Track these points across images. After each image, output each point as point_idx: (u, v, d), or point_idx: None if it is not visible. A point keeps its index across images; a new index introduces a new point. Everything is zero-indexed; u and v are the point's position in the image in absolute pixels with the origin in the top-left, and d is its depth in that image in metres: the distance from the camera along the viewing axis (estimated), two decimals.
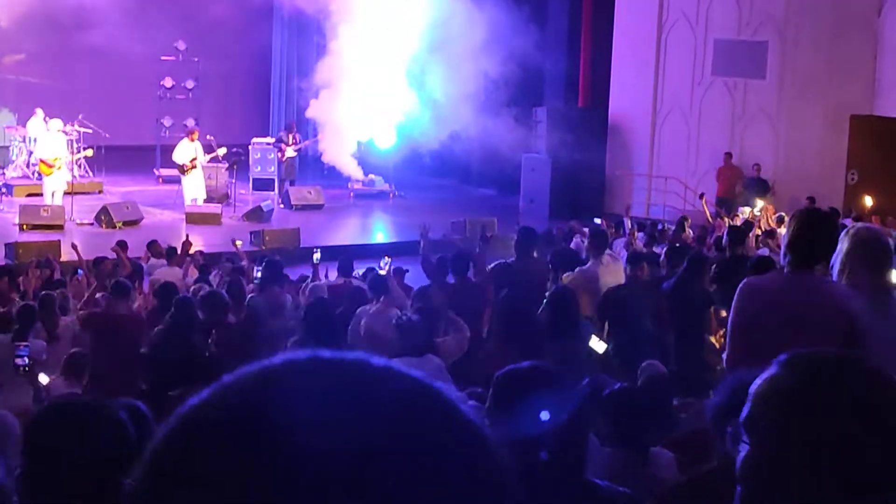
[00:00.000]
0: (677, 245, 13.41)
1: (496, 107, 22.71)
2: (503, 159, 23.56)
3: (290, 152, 24.01)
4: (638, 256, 11.18)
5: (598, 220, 17.89)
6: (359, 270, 13.25)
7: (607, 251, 10.88)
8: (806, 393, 1.74)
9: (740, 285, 4.86)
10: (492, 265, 10.66)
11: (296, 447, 0.83)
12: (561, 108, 25.07)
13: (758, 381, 1.83)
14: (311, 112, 25.10)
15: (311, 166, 25.68)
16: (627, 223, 17.96)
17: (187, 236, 15.70)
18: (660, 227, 18.35)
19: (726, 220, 18.45)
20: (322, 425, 0.84)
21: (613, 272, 10.63)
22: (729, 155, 22.61)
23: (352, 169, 25.58)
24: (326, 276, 13.80)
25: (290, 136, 24.32)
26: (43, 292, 10.37)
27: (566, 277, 10.05)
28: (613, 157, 24.54)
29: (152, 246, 15.69)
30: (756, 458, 1.78)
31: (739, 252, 10.29)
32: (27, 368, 8.22)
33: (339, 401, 0.87)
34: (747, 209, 19.98)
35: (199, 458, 0.86)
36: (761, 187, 21.74)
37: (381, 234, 22.62)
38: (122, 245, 15.84)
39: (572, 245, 14.99)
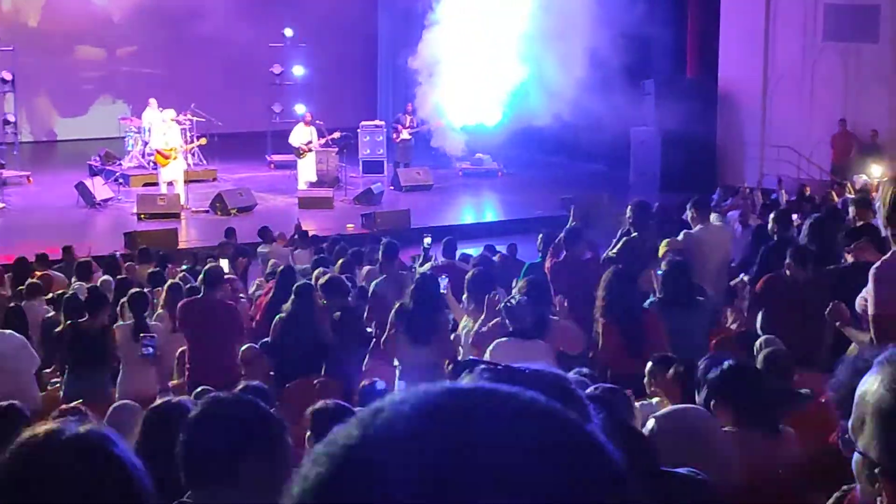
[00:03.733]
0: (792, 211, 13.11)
1: (603, 80, 22.50)
2: (611, 133, 23.36)
3: (404, 134, 24.15)
4: (782, 214, 10.80)
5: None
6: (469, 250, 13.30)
7: (717, 217, 10.73)
8: None
9: (874, 271, 4.72)
10: (617, 240, 10.49)
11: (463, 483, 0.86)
12: (669, 79, 24.77)
13: (863, 385, 1.78)
14: (420, 92, 25.15)
15: (419, 147, 25.77)
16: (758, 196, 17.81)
17: (299, 221, 15.95)
18: (774, 195, 18.10)
19: (848, 185, 18.12)
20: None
21: (720, 238, 10.51)
22: (843, 122, 22.11)
23: (459, 148, 25.60)
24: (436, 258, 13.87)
25: (408, 118, 24.45)
26: (170, 281, 10.58)
27: (667, 243, 9.88)
28: (724, 127, 24.17)
29: (264, 233, 15.89)
30: (862, 464, 1.74)
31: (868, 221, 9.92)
32: (153, 355, 8.45)
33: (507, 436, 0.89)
34: (863, 176, 19.55)
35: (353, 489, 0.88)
36: (877, 154, 21.25)
37: (490, 212, 22.65)
38: (229, 232, 16.17)
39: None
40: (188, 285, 10.75)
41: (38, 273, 13.38)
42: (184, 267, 14.13)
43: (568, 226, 10.53)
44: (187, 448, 2.83)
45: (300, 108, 25.24)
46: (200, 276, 9.48)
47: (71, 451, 1.64)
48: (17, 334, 9.16)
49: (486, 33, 24.18)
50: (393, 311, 8.28)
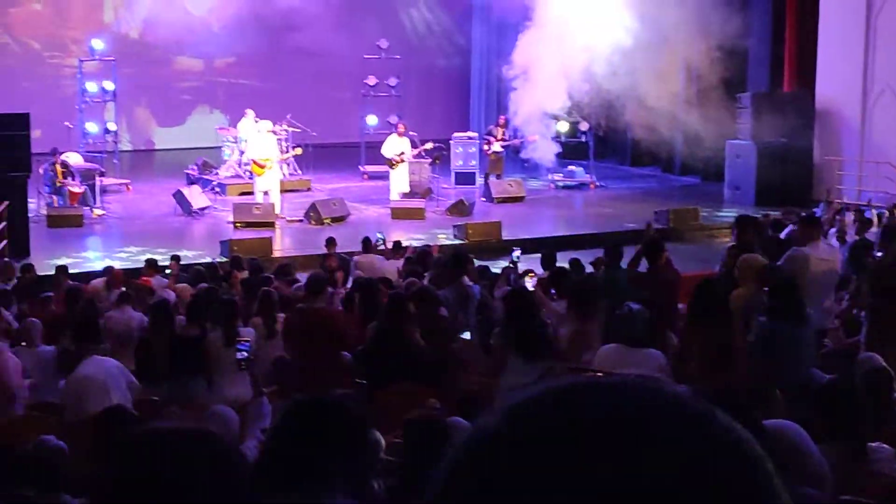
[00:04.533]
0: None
1: (699, 93, 22.34)
2: (706, 146, 23.17)
3: (496, 147, 24.17)
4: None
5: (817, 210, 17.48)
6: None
7: (823, 239, 10.50)
8: None
9: None
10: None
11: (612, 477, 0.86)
12: (766, 92, 24.49)
13: None
14: (513, 100, 25.13)
15: (511, 157, 25.77)
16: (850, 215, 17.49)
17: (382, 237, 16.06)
18: (867, 213, 17.78)
19: None
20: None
21: (831, 257, 10.25)
22: None
23: (550, 159, 25.52)
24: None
25: (501, 131, 24.48)
26: (264, 289, 10.70)
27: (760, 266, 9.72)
28: (822, 141, 23.80)
29: (366, 243, 15.95)
30: None
31: None
32: (247, 362, 8.54)
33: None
34: None
35: (501, 481, 0.89)
36: None
37: (582, 225, 22.56)
38: (330, 241, 16.28)
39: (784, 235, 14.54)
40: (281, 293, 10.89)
41: (142, 279, 13.62)
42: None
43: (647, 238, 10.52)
44: (273, 449, 2.87)
45: (393, 120, 25.40)
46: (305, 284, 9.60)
47: (175, 445, 1.68)
48: (112, 360, 9.17)
49: (582, 43, 24.10)
50: (499, 328, 8.33)
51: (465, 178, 24.58)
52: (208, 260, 15.87)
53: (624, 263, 11.06)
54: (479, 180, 24.58)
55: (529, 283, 9.07)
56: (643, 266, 10.34)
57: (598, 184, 25.56)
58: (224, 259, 16.47)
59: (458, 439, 0.93)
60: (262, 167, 21.59)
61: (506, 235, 19.50)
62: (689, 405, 0.92)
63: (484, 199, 23.48)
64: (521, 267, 13.26)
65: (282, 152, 23.05)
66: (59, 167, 21.31)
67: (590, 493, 0.85)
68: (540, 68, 24.19)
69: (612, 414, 0.90)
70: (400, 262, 14.46)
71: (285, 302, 11.00)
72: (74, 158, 22.39)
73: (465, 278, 11.28)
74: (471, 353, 9.65)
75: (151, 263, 14.86)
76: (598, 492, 0.85)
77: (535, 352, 8.05)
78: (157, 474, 1.64)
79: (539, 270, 12.98)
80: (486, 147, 24.29)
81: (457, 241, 19.33)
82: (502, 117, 25.28)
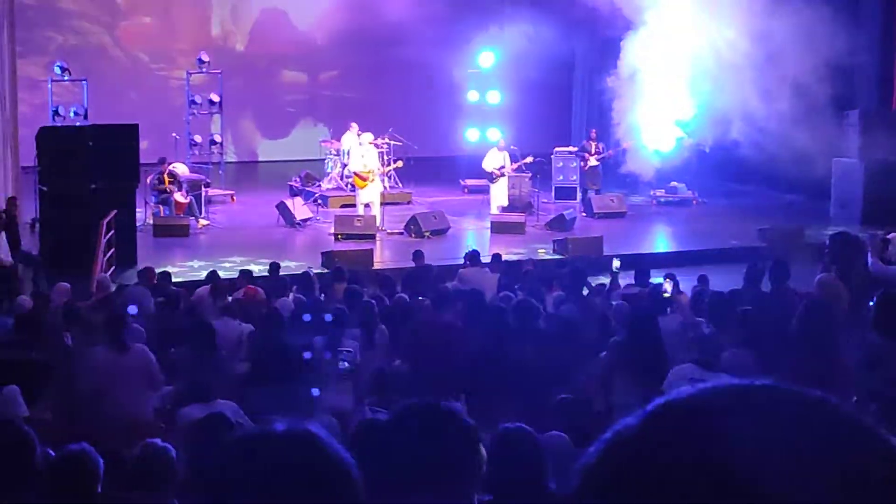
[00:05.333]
0: None
1: (806, 110, 21.97)
2: (812, 164, 22.79)
3: (592, 161, 24.06)
4: None
5: None
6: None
7: None
8: None
9: None
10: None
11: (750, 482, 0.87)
12: (874, 110, 24.03)
13: None
14: (616, 109, 24.98)
15: (613, 174, 25.63)
16: None
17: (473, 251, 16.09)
18: None
19: None
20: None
21: None
22: None
23: (650, 173, 25.31)
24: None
25: (593, 145, 24.38)
26: (366, 300, 10.79)
27: None
28: None
29: (473, 257, 15.95)
30: None
31: None
32: (351, 371, 8.63)
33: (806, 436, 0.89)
34: None
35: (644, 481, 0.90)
36: None
37: (683, 241, 22.35)
38: (417, 255, 16.37)
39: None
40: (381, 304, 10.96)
41: (249, 288, 13.79)
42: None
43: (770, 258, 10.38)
44: (385, 454, 2.87)
45: (494, 134, 25.42)
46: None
47: (284, 445, 1.69)
48: (144, 354, 9.34)
49: (687, 58, 23.89)
50: (609, 349, 8.30)
51: (565, 193, 24.52)
52: (305, 271, 15.96)
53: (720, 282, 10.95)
54: (580, 195, 24.48)
55: (668, 288, 9.04)
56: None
57: (700, 200, 25.29)
58: (324, 270, 16.62)
59: (600, 442, 0.94)
60: (363, 180, 21.76)
61: (606, 251, 19.38)
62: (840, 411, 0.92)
63: (584, 214, 23.38)
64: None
65: (383, 165, 23.21)
66: (166, 177, 21.73)
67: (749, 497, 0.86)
68: (645, 79, 24.03)
69: (762, 421, 0.90)
70: (497, 276, 14.45)
71: (386, 313, 11.08)
72: (181, 169, 22.80)
73: (586, 292, 11.23)
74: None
75: (246, 275, 15.07)
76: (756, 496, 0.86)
77: (644, 370, 7.98)
78: (265, 477, 1.66)
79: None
80: (582, 164, 24.14)
81: (557, 256, 19.28)
82: (593, 131, 25.18)
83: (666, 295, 12.03)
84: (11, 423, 3.93)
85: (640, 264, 14.26)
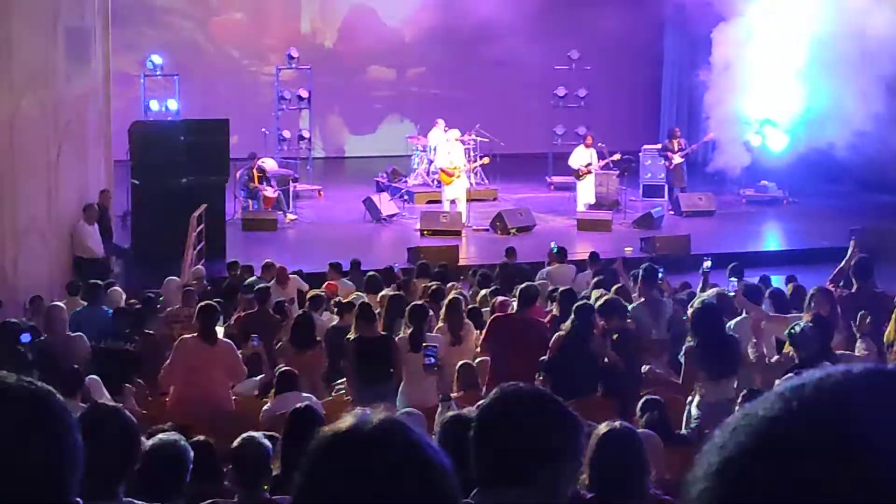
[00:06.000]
0: None
1: None
2: None
3: (676, 159, 23.83)
4: None
5: None
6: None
7: None
8: None
9: None
10: None
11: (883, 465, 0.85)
12: None
13: None
14: (706, 106, 24.69)
15: (700, 172, 25.37)
16: None
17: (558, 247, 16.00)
18: None
19: None
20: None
21: None
22: None
23: (738, 169, 24.99)
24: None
25: (675, 143, 24.14)
26: (451, 296, 10.81)
27: None
28: None
29: (561, 253, 15.90)
30: None
31: None
32: (435, 368, 8.64)
33: None
34: None
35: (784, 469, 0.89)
36: None
37: (773, 241, 22.06)
38: (510, 252, 16.31)
39: None
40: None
41: (328, 284, 13.92)
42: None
43: (855, 257, 10.19)
44: (485, 446, 2.82)
45: (582, 131, 25.29)
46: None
47: (376, 438, 1.69)
48: (229, 347, 9.46)
49: (781, 54, 23.53)
50: (685, 348, 8.25)
51: (653, 191, 24.32)
52: (389, 266, 16.02)
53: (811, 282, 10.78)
54: (667, 193, 24.25)
55: (732, 286, 8.95)
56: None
57: (790, 199, 24.93)
58: (409, 266, 16.66)
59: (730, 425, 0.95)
60: (449, 176, 21.78)
61: (694, 250, 19.20)
62: None
63: (672, 212, 23.17)
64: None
65: (469, 161, 23.21)
66: (255, 172, 21.95)
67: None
68: (737, 73, 23.75)
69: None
70: (587, 274, 14.38)
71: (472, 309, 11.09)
72: (270, 164, 23.01)
73: (656, 292, 11.19)
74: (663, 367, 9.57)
75: (335, 267, 15.15)
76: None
77: (721, 368, 7.91)
78: (361, 470, 1.65)
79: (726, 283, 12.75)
80: (666, 163, 23.85)
81: (644, 255, 19.13)
82: (676, 129, 24.90)
83: (706, 272, 12.02)
84: (118, 410, 3.98)
85: (733, 264, 14.05)
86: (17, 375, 1.55)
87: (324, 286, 13.95)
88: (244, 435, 5.56)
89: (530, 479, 2.72)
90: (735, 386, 8.04)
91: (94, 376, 8.50)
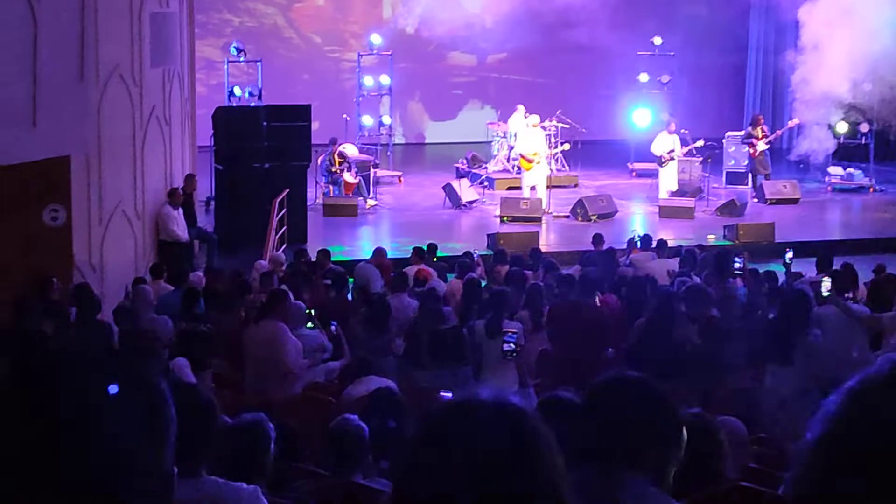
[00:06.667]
0: None
1: None
2: None
3: (761, 146, 23.50)
4: None
5: None
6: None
7: None
8: None
9: None
10: None
11: None
12: None
13: None
14: (793, 86, 24.28)
15: (784, 159, 25.01)
16: None
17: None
18: None
19: None
20: None
21: None
22: None
23: (822, 155, 24.56)
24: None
25: (759, 130, 23.80)
26: (532, 283, 10.78)
27: None
28: None
29: (646, 240, 15.78)
30: None
31: None
32: (514, 354, 8.61)
33: None
34: None
35: None
36: None
37: (858, 230, 21.68)
38: (597, 238, 16.20)
39: None
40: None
41: (422, 268, 13.93)
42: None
43: None
44: (597, 422, 2.85)
45: (664, 117, 25.05)
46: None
47: (492, 413, 1.68)
48: (274, 326, 9.50)
49: (866, 40, 23.06)
50: (764, 334, 8.17)
51: (736, 178, 24.02)
52: (467, 251, 16.00)
53: None
54: (751, 181, 23.92)
55: (825, 287, 8.79)
56: None
57: (877, 188, 24.48)
58: (488, 252, 16.65)
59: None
60: (530, 162, 21.70)
61: (778, 238, 18.95)
62: None
63: (756, 200, 22.87)
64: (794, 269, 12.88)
65: (550, 147, 23.12)
66: (336, 157, 22.07)
67: None
68: (825, 54, 23.32)
69: None
70: (672, 262, 14.24)
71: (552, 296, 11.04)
72: (351, 150, 23.13)
73: (730, 279, 11.05)
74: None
75: (419, 252, 15.18)
76: None
77: (789, 357, 7.80)
78: (474, 444, 1.64)
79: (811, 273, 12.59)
80: (751, 150, 23.49)
81: (727, 242, 18.92)
82: (760, 117, 24.51)
83: (788, 263, 11.86)
84: (196, 388, 4.02)
85: (823, 252, 13.86)
86: (110, 350, 1.58)
87: (415, 271, 13.97)
88: (340, 416, 5.60)
89: (639, 459, 2.77)
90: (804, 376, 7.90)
91: (182, 358, 8.61)
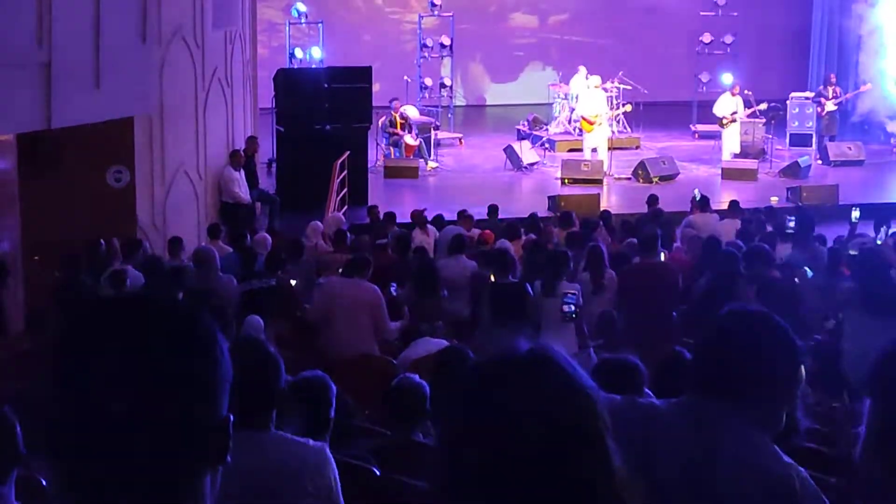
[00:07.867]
0: None
1: None
2: None
3: (829, 106, 23.17)
4: None
5: None
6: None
7: None
8: None
9: None
10: None
11: None
12: None
13: None
14: (863, 53, 23.87)
15: (848, 121, 24.64)
16: None
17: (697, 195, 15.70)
18: None
19: None
20: None
21: None
22: None
23: (887, 115, 24.17)
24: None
25: (830, 90, 23.47)
26: (592, 244, 10.74)
27: None
28: None
29: (702, 202, 15.67)
30: None
31: None
32: (574, 315, 8.61)
33: None
34: None
35: None
36: None
37: None
38: (652, 199, 16.11)
39: None
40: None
41: (486, 232, 13.94)
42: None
43: None
44: (711, 353, 2.87)
45: (727, 78, 24.77)
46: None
47: (526, 361, 1.69)
48: (371, 287, 9.56)
49: None
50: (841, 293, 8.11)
51: (800, 140, 23.69)
52: (532, 214, 15.95)
53: None
54: (816, 142, 23.62)
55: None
56: None
57: None
58: (550, 214, 16.61)
59: None
60: (591, 124, 21.59)
61: (842, 200, 18.72)
62: None
63: (820, 162, 22.59)
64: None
65: (612, 109, 22.97)
66: (398, 119, 22.08)
67: None
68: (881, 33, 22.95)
69: None
70: (736, 223, 14.12)
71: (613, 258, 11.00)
72: (411, 112, 23.12)
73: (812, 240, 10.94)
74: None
75: (493, 210, 15.22)
76: None
77: (883, 309, 7.70)
78: (510, 397, 1.65)
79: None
80: (819, 109, 23.19)
81: (789, 204, 18.72)
82: (832, 75, 24.17)
83: (855, 222, 11.70)
84: (261, 343, 4.07)
85: (881, 213, 13.69)
86: (168, 295, 1.61)
87: (478, 234, 13.96)
88: (401, 375, 5.65)
89: (746, 395, 2.77)
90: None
91: (256, 316, 8.70)
